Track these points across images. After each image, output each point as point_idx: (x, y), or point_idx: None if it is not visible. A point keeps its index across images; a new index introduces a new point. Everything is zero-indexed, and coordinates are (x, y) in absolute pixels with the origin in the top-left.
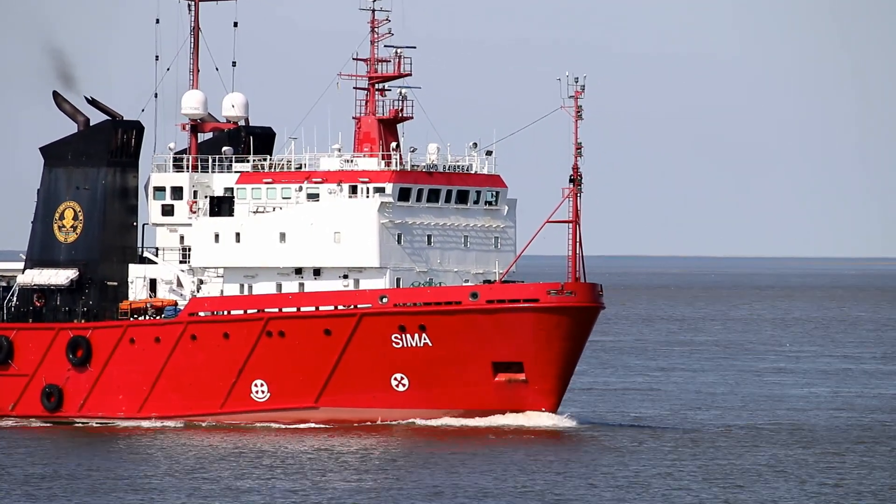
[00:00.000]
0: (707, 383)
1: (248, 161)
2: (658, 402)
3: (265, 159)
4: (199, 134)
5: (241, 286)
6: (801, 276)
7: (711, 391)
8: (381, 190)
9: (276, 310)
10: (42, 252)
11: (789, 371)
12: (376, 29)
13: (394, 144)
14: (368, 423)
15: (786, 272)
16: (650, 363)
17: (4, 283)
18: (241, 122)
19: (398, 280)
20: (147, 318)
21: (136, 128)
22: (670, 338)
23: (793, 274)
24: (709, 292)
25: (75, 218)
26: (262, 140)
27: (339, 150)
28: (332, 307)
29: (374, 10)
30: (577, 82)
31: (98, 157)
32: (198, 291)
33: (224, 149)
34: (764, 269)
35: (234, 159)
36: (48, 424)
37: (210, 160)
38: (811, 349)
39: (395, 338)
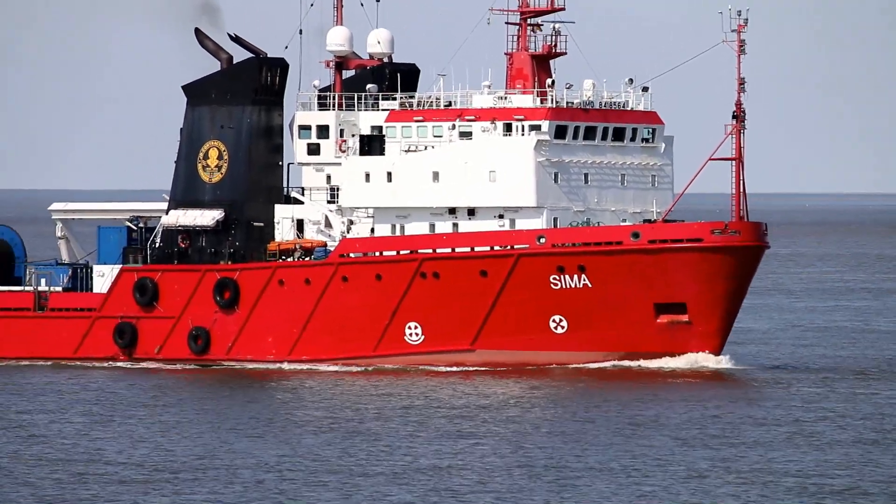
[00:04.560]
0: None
1: (394, 99)
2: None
3: (412, 97)
4: (343, 71)
5: (393, 227)
6: None
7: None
8: (536, 128)
9: (430, 251)
10: (186, 192)
11: None
12: None
13: (549, 81)
14: (527, 367)
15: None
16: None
17: (143, 225)
18: (386, 59)
19: (555, 220)
20: (296, 259)
21: (281, 65)
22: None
23: None
24: None
25: (220, 157)
26: (407, 77)
27: (490, 87)
28: (487, 248)
29: None
30: (739, 15)
31: (242, 95)
32: (347, 232)
33: (368, 86)
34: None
35: (380, 97)
36: (195, 367)
37: (355, 98)
38: None
39: (554, 279)
